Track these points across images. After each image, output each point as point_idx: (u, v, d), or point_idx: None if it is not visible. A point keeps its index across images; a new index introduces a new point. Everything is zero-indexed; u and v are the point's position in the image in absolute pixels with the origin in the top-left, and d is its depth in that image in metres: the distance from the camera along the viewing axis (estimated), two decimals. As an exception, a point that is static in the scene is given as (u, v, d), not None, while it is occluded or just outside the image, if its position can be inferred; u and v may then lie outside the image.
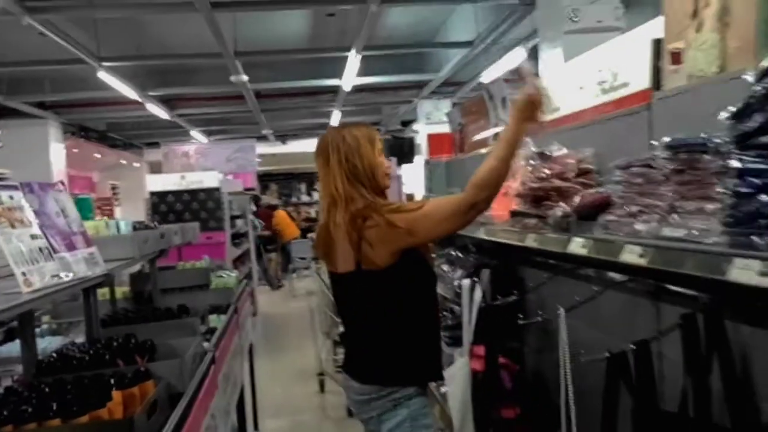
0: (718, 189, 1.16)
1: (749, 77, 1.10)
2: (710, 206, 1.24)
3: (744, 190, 1.06)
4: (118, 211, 12.81)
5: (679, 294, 1.61)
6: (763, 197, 1.03)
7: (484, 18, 6.54)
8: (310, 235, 12.28)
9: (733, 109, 1.12)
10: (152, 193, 7.76)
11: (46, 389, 1.62)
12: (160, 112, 9.17)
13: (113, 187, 13.77)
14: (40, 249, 1.69)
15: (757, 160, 1.05)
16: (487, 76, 8.04)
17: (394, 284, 1.92)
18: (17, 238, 1.61)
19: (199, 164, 11.31)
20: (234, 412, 3.19)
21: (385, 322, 1.96)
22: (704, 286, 1.49)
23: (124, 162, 13.28)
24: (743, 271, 1.02)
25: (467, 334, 2.77)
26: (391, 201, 2.01)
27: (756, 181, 1.04)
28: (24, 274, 1.56)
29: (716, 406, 1.45)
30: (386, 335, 1.96)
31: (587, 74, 2.22)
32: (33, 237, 1.68)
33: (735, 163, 1.08)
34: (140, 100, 8.08)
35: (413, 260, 1.93)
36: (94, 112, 9.81)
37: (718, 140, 1.15)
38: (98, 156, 11.48)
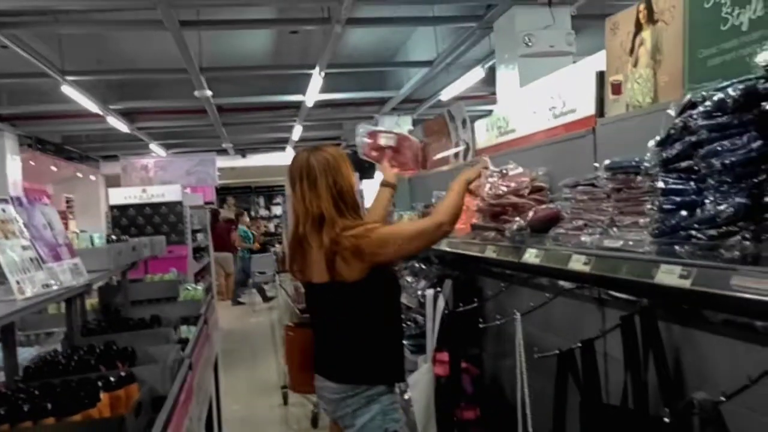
0: (648, 206, 1.36)
1: (671, 111, 1.30)
2: (643, 220, 1.44)
3: (668, 206, 1.26)
4: (72, 225, 12.56)
5: (620, 299, 1.81)
6: (683, 213, 1.22)
7: (444, 39, 6.81)
8: (275, 248, 12.31)
9: (658, 137, 1.32)
10: (112, 207, 7.70)
11: (36, 392, 1.70)
12: (119, 125, 9.12)
13: (68, 200, 13.51)
14: (31, 259, 1.78)
15: (678, 181, 1.25)
16: (447, 94, 8.32)
17: (366, 294, 2.10)
18: (10, 248, 1.70)
19: (158, 177, 11.18)
20: (204, 423, 3.26)
21: (357, 328, 2.13)
22: (640, 290, 1.70)
23: (80, 175, 13.05)
24: (667, 275, 1.21)
25: (430, 341, 2.92)
26: (363, 221, 2.17)
27: (677, 199, 1.24)
28: (18, 282, 1.65)
29: (652, 398, 1.64)
30: (358, 339, 2.13)
31: (540, 100, 2.44)
32: (24, 248, 1.77)
33: (660, 184, 1.28)
34: (101, 113, 8.04)
35: (382, 273, 2.11)
36: (50, 125, 9.68)
37: (647, 164, 1.35)
38: (54, 169, 11.27)
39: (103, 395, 1.72)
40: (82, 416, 1.62)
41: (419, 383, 2.80)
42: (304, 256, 2.15)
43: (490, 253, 2.20)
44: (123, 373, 1.88)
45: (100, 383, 1.78)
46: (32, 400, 1.63)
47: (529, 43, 5.17)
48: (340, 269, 2.04)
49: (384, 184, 2.58)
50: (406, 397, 2.96)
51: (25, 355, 2.47)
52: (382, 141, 2.57)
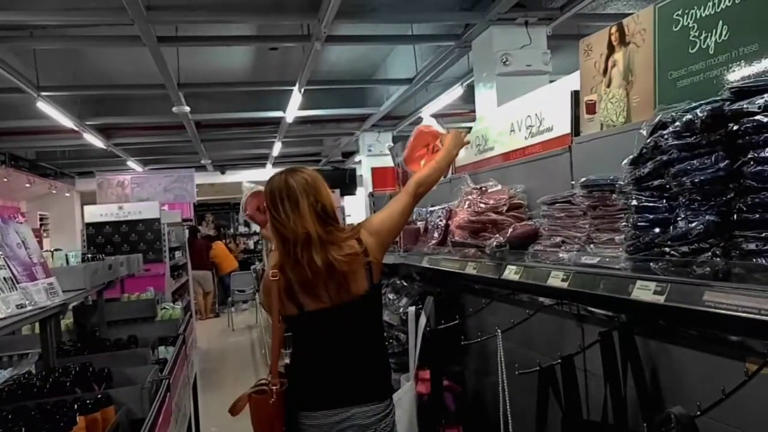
0: (623, 223, 1.39)
1: (643, 131, 1.34)
2: (618, 237, 1.47)
3: (641, 224, 1.29)
4: (47, 243, 12.34)
5: (598, 315, 1.84)
6: (656, 230, 1.25)
7: (423, 57, 6.89)
8: (255, 266, 12.19)
9: (631, 156, 1.35)
10: (88, 224, 7.59)
11: (10, 416, 1.67)
12: (95, 141, 9.02)
13: (42, 218, 13.28)
14: (5, 279, 1.75)
15: (650, 199, 1.28)
16: (427, 111, 8.40)
17: (373, 303, 2.10)
18: (-16, 269, 1.67)
19: (134, 194, 11.06)
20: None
21: (373, 341, 2.10)
22: (618, 306, 1.72)
23: (54, 192, 12.85)
24: (642, 291, 1.24)
25: (413, 359, 2.92)
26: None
27: (650, 216, 1.27)
28: (-8, 303, 1.62)
29: (631, 413, 1.66)
30: (378, 352, 2.12)
31: (518, 118, 2.48)
32: (-2, 268, 1.74)
33: (634, 202, 1.31)
34: (77, 129, 7.96)
35: (379, 281, 2.13)
36: (25, 141, 9.56)
37: (621, 182, 1.39)
38: (28, 185, 11.09)
39: (79, 418, 1.69)
40: (58, 440, 1.59)
41: (402, 401, 2.80)
42: (301, 282, 2.01)
43: (470, 269, 2.22)
44: (99, 396, 1.85)
45: (76, 406, 1.75)
46: (6, 423, 1.60)
47: (507, 62, 5.26)
48: (350, 284, 2.00)
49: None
50: None
51: (1, 378, 2.42)
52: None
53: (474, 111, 6.30)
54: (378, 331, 2.13)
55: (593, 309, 1.87)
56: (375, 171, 5.22)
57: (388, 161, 5.00)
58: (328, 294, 2.00)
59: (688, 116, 1.18)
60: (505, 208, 2.21)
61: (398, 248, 3.26)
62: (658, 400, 1.63)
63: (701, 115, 1.15)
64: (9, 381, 2.10)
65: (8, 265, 1.82)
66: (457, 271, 2.36)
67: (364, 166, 10.36)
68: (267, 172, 13.88)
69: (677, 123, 1.21)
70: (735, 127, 1.10)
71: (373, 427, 2.00)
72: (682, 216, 1.17)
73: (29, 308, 1.82)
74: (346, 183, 12.15)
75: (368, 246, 2.02)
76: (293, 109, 7.74)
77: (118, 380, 2.17)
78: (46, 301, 1.95)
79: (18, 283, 1.84)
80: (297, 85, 6.69)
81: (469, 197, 2.36)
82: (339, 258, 1.97)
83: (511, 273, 1.90)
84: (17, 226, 2.02)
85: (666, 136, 1.24)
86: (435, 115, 8.19)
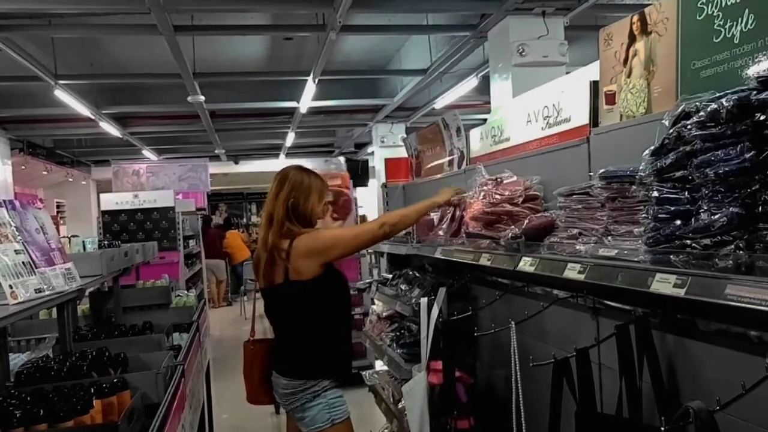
0: (643, 215, 1.37)
1: (665, 121, 1.32)
2: (637, 230, 1.45)
3: (662, 216, 1.27)
4: (63, 230, 12.47)
5: (614, 308, 1.82)
6: (678, 222, 1.23)
7: (438, 47, 6.84)
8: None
9: (652, 147, 1.33)
10: (104, 212, 7.66)
11: (29, 398, 1.69)
12: (112, 130, 9.08)
13: (58, 205, 13.42)
14: (24, 264, 1.77)
15: (672, 191, 1.26)
16: (441, 102, 8.35)
17: (316, 293, 2.38)
18: (3, 252, 1.69)
19: (149, 183, 11.17)
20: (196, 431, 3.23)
21: (304, 327, 2.39)
22: (635, 299, 1.71)
23: (71, 179, 12.97)
24: (662, 284, 1.22)
25: (424, 349, 2.92)
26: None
27: (671, 208, 1.25)
28: (11, 287, 1.63)
29: (647, 407, 1.64)
30: (305, 338, 2.39)
31: (535, 109, 2.45)
32: (17, 252, 1.76)
33: (655, 193, 1.29)
34: (93, 117, 8.01)
35: (329, 275, 2.41)
36: (42, 129, 9.63)
37: (642, 173, 1.37)
38: (45, 173, 11.20)
39: (95, 402, 1.71)
40: (75, 423, 1.60)
41: (413, 392, 2.81)
42: (267, 259, 2.41)
43: (484, 261, 2.21)
44: (116, 380, 1.87)
45: (92, 390, 1.77)
46: (24, 406, 1.62)
47: (523, 53, 5.20)
48: (297, 268, 2.33)
49: None
50: (399, 406, 2.95)
51: (16, 361, 2.45)
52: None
53: (488, 103, 6.25)
54: (299, 319, 2.40)
55: (609, 302, 1.85)
56: (388, 162, 5.20)
57: (401, 152, 4.99)
58: (263, 276, 2.44)
59: (713, 106, 1.16)
60: (520, 199, 2.19)
61: (411, 239, 3.26)
62: (675, 395, 1.61)
63: (727, 104, 1.12)
64: (27, 364, 2.13)
65: (27, 250, 1.84)
66: (471, 262, 2.35)
67: (377, 157, 10.34)
68: (280, 163, 13.90)
69: (701, 113, 1.19)
70: (762, 117, 1.08)
71: (287, 398, 2.40)
72: (705, 208, 1.15)
73: (47, 293, 1.84)
74: (359, 174, 12.14)
75: (293, 251, 2.32)
76: (307, 100, 7.73)
77: (133, 365, 2.20)
78: (63, 285, 1.97)
79: (36, 267, 1.86)
80: (311, 75, 6.68)
81: (484, 188, 2.34)
82: (271, 245, 2.35)
83: (526, 265, 1.89)
84: (36, 211, 2.03)
85: (689, 126, 1.22)
86: (449, 107, 8.14)
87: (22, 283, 1.71)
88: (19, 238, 1.82)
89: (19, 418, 1.54)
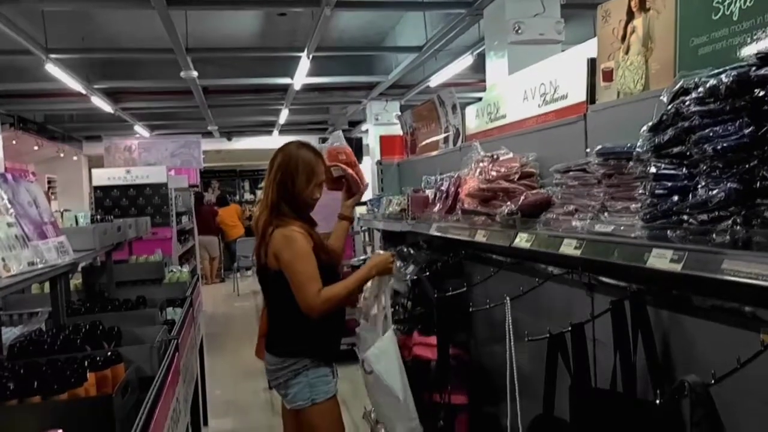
0: (640, 191, 1.37)
1: (663, 98, 1.31)
2: (634, 206, 1.45)
3: (659, 192, 1.27)
4: (54, 206, 12.39)
5: (610, 285, 1.83)
6: (675, 198, 1.23)
7: (433, 24, 6.77)
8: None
9: (650, 123, 1.33)
10: (96, 187, 7.61)
11: (22, 370, 1.69)
12: (103, 105, 8.98)
13: (50, 181, 13.31)
14: (16, 237, 1.76)
15: (669, 167, 1.26)
16: (436, 80, 8.30)
17: (284, 282, 2.33)
18: (-5, 225, 1.67)
19: (142, 159, 11.06)
20: (190, 405, 3.25)
21: (286, 307, 2.35)
22: (630, 276, 1.71)
23: (62, 155, 12.85)
24: (658, 259, 1.22)
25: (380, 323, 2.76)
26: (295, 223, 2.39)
27: (669, 184, 1.25)
28: (3, 260, 1.62)
29: (641, 382, 1.66)
30: (287, 318, 2.39)
31: (532, 86, 2.44)
32: (9, 225, 1.74)
33: (652, 169, 1.29)
34: (85, 92, 7.91)
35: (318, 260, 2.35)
36: (33, 104, 9.51)
37: (639, 149, 1.36)
38: (36, 148, 11.09)
39: (89, 375, 1.71)
40: (69, 395, 1.60)
41: (386, 353, 2.65)
42: (259, 239, 2.43)
43: (480, 237, 2.21)
44: (109, 353, 1.87)
45: (86, 363, 1.76)
46: (17, 378, 1.62)
47: (519, 31, 5.15)
48: (270, 257, 2.34)
49: (341, 217, 2.75)
50: (369, 369, 2.76)
51: (8, 335, 2.44)
52: (334, 172, 2.67)
53: (483, 81, 6.21)
54: (279, 300, 2.39)
55: (604, 279, 1.86)
56: (383, 139, 5.18)
57: (395, 130, 4.96)
58: (255, 250, 2.47)
59: (712, 82, 1.15)
60: (516, 176, 2.18)
61: (406, 216, 3.26)
62: (669, 370, 1.63)
63: (726, 80, 1.12)
64: (20, 337, 2.13)
65: (19, 223, 1.82)
66: (466, 239, 2.35)
67: (371, 135, 10.28)
68: (273, 140, 13.81)
69: (700, 89, 1.18)
70: (761, 93, 1.07)
71: (271, 374, 2.45)
72: (703, 184, 1.15)
73: (40, 266, 1.82)
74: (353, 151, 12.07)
75: (270, 240, 2.33)
76: (301, 76, 7.66)
77: (127, 339, 2.19)
78: (56, 259, 1.96)
79: (29, 241, 1.84)
80: (305, 51, 6.61)
81: (480, 165, 2.33)
82: (263, 227, 2.36)
83: (522, 241, 1.89)
84: (28, 185, 2.01)
85: (688, 102, 1.21)
86: (444, 85, 8.08)
87: (14, 256, 1.70)
88: (11, 211, 1.80)
89: (13, 390, 1.54)
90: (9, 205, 1.79)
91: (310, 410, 2.37)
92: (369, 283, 2.72)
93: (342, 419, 2.50)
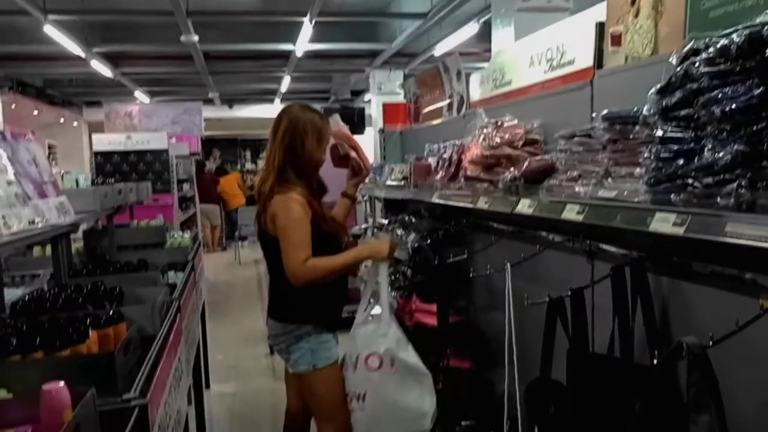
0: (645, 155, 1.36)
1: (673, 60, 1.29)
2: (638, 171, 1.44)
3: (665, 155, 1.26)
4: (54, 171, 12.34)
5: (610, 253, 1.83)
6: (680, 161, 1.22)
7: (439, -9, 6.65)
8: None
9: (658, 86, 1.31)
10: (96, 153, 7.58)
11: (24, 327, 1.70)
12: (103, 70, 8.89)
13: (50, 146, 13.25)
14: (16, 195, 1.75)
15: (676, 129, 1.24)
16: (440, 49, 8.18)
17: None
18: (-5, 183, 1.66)
19: (142, 125, 11.00)
20: (191, 368, 3.28)
21: (284, 273, 2.31)
22: (631, 243, 1.71)
23: (62, 120, 12.78)
24: (661, 223, 1.22)
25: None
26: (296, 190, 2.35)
27: (674, 147, 1.23)
28: (4, 217, 1.62)
29: (638, 349, 1.67)
30: (287, 283, 2.33)
31: (538, 51, 2.40)
32: (9, 183, 1.73)
33: (659, 132, 1.27)
34: (84, 56, 7.82)
35: (315, 230, 2.34)
36: (32, 67, 9.41)
37: (646, 113, 1.34)
38: (36, 113, 11.01)
39: (92, 333, 1.72)
40: (71, 351, 1.62)
41: (400, 339, 2.54)
42: (261, 203, 2.40)
43: (482, 204, 2.20)
44: (111, 312, 1.88)
45: (88, 321, 1.77)
46: (20, 335, 1.63)
47: (526, -3, 5.06)
48: (269, 223, 2.33)
49: (344, 195, 2.73)
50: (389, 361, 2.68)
51: (11, 296, 2.45)
52: (340, 150, 2.64)
53: (489, 51, 6.12)
54: (280, 266, 2.33)
55: (605, 246, 1.86)
56: (386, 106, 5.13)
57: (398, 100, 4.92)
58: (256, 215, 2.44)
59: (724, 41, 1.13)
60: (521, 143, 2.17)
61: (408, 184, 3.24)
62: (667, 336, 1.64)
63: (738, 39, 1.09)
64: (22, 297, 2.13)
65: (19, 182, 1.81)
66: (468, 205, 2.34)
67: (374, 104, 10.19)
68: (275, 108, 13.67)
69: (711, 49, 1.16)
70: (773, 53, 1.05)
71: (273, 339, 2.47)
72: (709, 146, 1.14)
73: (41, 225, 1.82)
74: (355, 122, 11.99)
75: (269, 207, 2.31)
76: (303, 42, 7.56)
77: (129, 300, 2.20)
78: (57, 218, 1.95)
79: (29, 199, 1.84)
80: (308, 16, 6.51)
81: (484, 131, 2.31)
82: (267, 192, 2.32)
83: (524, 207, 1.88)
84: (27, 144, 2.00)
85: (698, 63, 1.19)
86: (448, 54, 7.97)
87: (15, 214, 1.69)
88: (11, 169, 1.79)
89: (15, 346, 1.55)
90: (8, 164, 1.78)
91: (312, 375, 2.38)
92: (363, 268, 2.74)
93: (344, 384, 2.48)
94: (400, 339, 2.53)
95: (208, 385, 4.55)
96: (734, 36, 1.12)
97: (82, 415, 1.14)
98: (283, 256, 2.28)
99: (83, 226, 3.61)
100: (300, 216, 2.29)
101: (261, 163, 18.34)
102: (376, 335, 2.45)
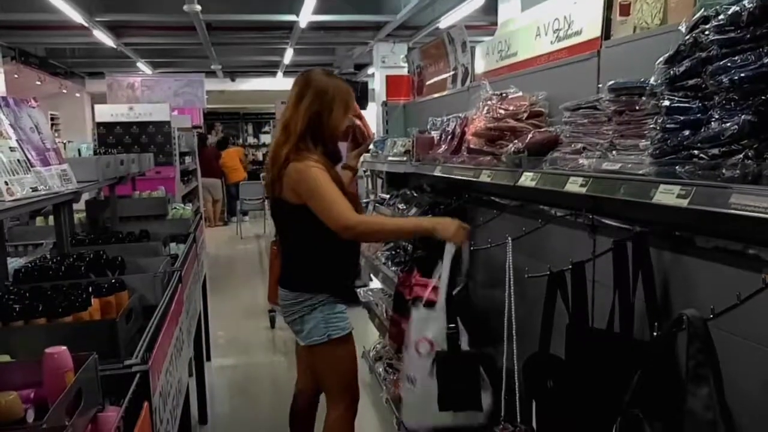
0: (651, 125, 1.34)
1: (682, 28, 1.26)
2: (643, 143, 1.42)
3: (671, 125, 1.24)
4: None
5: (612, 227, 1.82)
6: (686, 132, 1.21)
7: (445, -39, 6.55)
8: (264, 176, 12.20)
9: (666, 55, 1.28)
10: (99, 124, 7.55)
11: (27, 294, 1.70)
12: (105, 39, 8.80)
13: (53, 117, 13.21)
14: (19, 161, 1.74)
15: (683, 100, 1.23)
16: (445, 21, 8.08)
17: (300, 216, 2.26)
18: (-3, 149, 1.65)
19: (144, 97, 10.93)
20: (193, 339, 3.30)
21: (301, 242, 2.35)
22: (634, 217, 1.70)
23: (65, 91, 12.71)
24: (665, 195, 1.21)
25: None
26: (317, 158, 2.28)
27: (681, 117, 1.22)
28: (6, 183, 1.61)
29: (638, 324, 1.67)
30: (302, 252, 2.36)
31: (545, 21, 2.36)
32: (11, 149, 1.73)
33: (665, 102, 1.25)
34: (87, 25, 7.74)
35: None
36: (34, 36, 9.32)
37: (653, 83, 1.32)
38: (39, 83, 10.95)
39: (93, 300, 1.73)
40: (74, 318, 1.63)
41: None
42: (275, 172, 2.30)
43: (485, 177, 2.19)
44: (113, 281, 1.88)
45: (90, 289, 1.78)
46: (23, 301, 1.63)
47: (534, -31, 4.97)
48: (286, 191, 2.26)
49: (346, 167, 2.67)
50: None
51: (13, 264, 2.46)
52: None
53: (495, 24, 6.04)
54: (294, 234, 2.37)
55: (607, 221, 1.85)
56: (389, 79, 5.08)
57: (402, 74, 4.86)
58: (268, 183, 2.36)
59: (735, 8, 1.10)
60: (525, 115, 2.14)
61: (411, 157, 3.23)
62: (668, 311, 1.63)
63: (749, 6, 1.07)
64: (25, 265, 2.14)
65: (22, 148, 1.81)
66: (471, 179, 2.33)
67: (378, 78, 10.09)
68: (278, 81, 13.58)
69: (721, 16, 1.14)
70: (785, 21, 1.03)
71: (286, 309, 2.40)
72: (716, 116, 1.12)
73: (43, 192, 1.82)
74: (358, 96, 11.87)
75: (285, 177, 2.23)
76: (307, 13, 7.47)
77: (131, 269, 2.21)
78: (60, 186, 1.95)
79: (32, 166, 1.83)
80: (312, -14, 6.42)
81: (488, 103, 2.29)
82: (283, 160, 2.23)
83: (527, 180, 1.87)
84: (30, 110, 1.99)
85: (707, 32, 1.16)
86: (453, 26, 7.86)
87: (17, 180, 1.69)
88: (14, 135, 1.78)
89: (18, 312, 1.56)
90: (11, 130, 1.77)
91: (326, 346, 2.33)
92: None
93: (356, 356, 2.47)
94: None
95: (209, 358, 4.59)
96: (745, 2, 1.10)
97: (84, 379, 1.15)
98: (326, 216, 2.17)
99: (85, 196, 3.61)
100: (325, 176, 2.21)
101: (264, 138, 18.24)
102: (428, 319, 2.39)
